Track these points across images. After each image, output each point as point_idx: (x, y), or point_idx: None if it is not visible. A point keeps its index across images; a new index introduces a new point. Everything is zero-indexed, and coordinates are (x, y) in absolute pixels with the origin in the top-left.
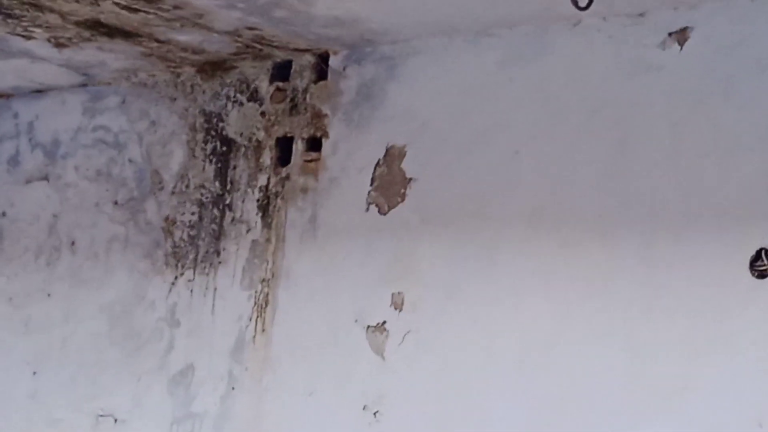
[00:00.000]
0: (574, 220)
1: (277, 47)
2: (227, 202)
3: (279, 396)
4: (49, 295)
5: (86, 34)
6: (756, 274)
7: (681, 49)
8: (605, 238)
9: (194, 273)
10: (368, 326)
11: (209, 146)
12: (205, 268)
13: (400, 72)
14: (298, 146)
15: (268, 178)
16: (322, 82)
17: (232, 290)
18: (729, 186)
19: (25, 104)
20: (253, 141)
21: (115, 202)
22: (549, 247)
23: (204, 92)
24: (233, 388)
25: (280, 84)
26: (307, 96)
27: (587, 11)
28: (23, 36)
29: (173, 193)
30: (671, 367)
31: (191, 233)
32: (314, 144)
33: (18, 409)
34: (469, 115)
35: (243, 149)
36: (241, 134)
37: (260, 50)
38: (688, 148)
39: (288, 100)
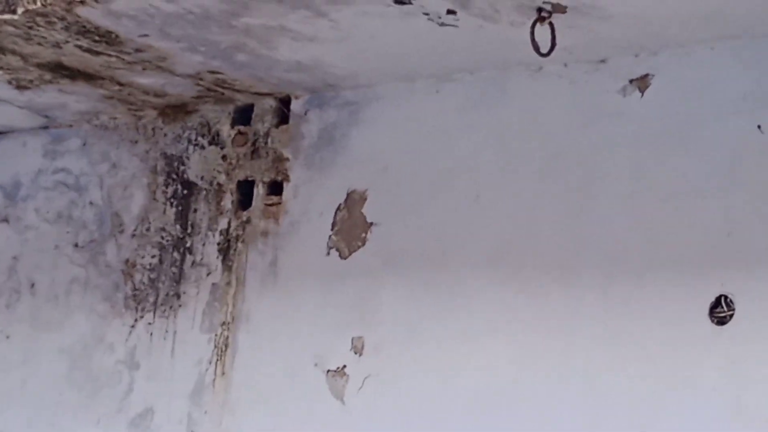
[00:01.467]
0: (535, 263)
1: (238, 91)
2: (188, 245)
3: None
4: (8, 336)
5: (48, 76)
6: (715, 320)
7: (642, 95)
8: (565, 282)
9: (154, 316)
10: (328, 370)
11: (170, 189)
12: (165, 311)
13: (362, 117)
14: (259, 190)
15: (229, 222)
16: (283, 126)
17: (192, 333)
18: (689, 231)
19: None
20: (214, 184)
21: (76, 245)
22: (509, 291)
23: (165, 135)
24: None
25: (242, 128)
26: (269, 140)
27: (549, 58)
28: None
29: (134, 235)
30: (631, 410)
31: (151, 276)
32: (275, 188)
33: None
34: (431, 159)
35: (204, 192)
36: (202, 177)
37: (222, 94)
38: (649, 193)
39: (249, 143)
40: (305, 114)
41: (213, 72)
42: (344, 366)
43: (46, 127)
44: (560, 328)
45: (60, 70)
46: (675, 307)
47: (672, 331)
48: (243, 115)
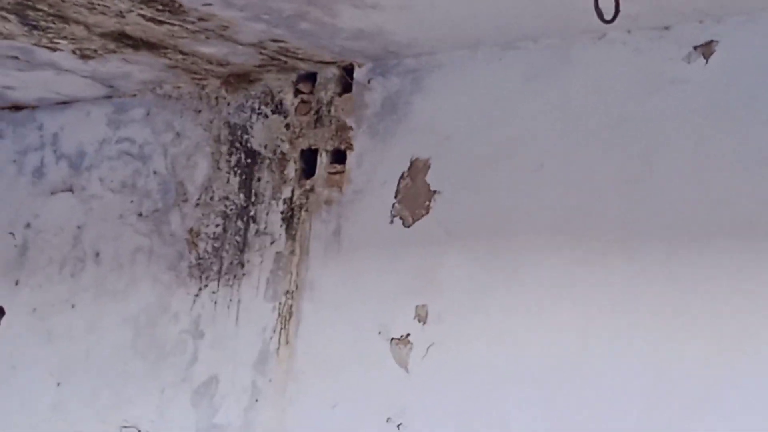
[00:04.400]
0: (598, 232)
1: (301, 59)
2: (251, 214)
3: (302, 408)
4: (73, 306)
5: (111, 45)
6: None
7: (706, 62)
8: (629, 252)
9: (218, 285)
10: (392, 338)
11: (234, 158)
12: (228, 279)
13: (424, 85)
14: (323, 158)
15: (293, 191)
16: (346, 95)
17: (255, 302)
18: (754, 200)
19: (50, 116)
20: (278, 153)
21: (140, 214)
22: (572, 260)
23: (229, 104)
24: (257, 400)
25: (305, 96)
26: (332, 108)
27: (612, 24)
28: (48, 48)
29: (197, 204)
30: (694, 383)
31: (215, 245)
32: (339, 156)
33: (42, 420)
34: (493, 127)
35: (267, 161)
36: (266, 146)
37: (285, 62)
38: (713, 161)
39: (313, 112)
40: (368, 82)
41: (275, 40)
42: (408, 334)
43: (109, 97)
44: (624, 298)
45: (123, 40)
46: (741, 277)
47: (738, 301)
48: (306, 84)
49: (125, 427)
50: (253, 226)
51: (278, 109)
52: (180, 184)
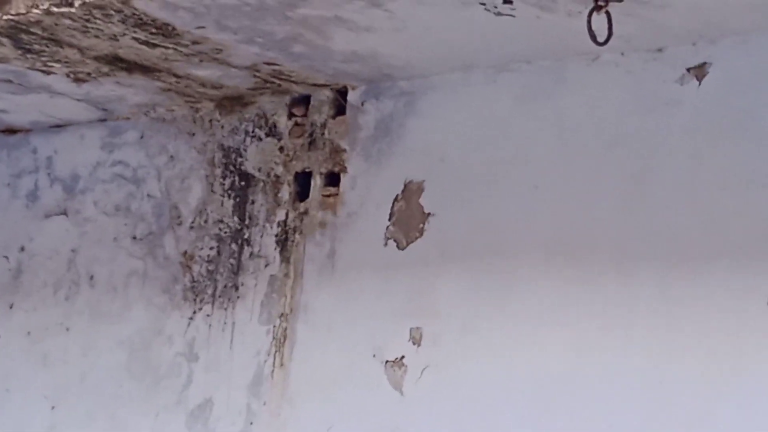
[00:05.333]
0: (592, 254)
1: (295, 82)
2: (246, 236)
3: (297, 430)
4: (67, 329)
5: (105, 69)
6: None
7: (699, 84)
8: (623, 273)
9: (212, 308)
10: (386, 361)
11: (228, 181)
12: (223, 302)
13: (418, 107)
14: (317, 181)
15: (287, 213)
16: (340, 117)
17: (250, 325)
18: (748, 221)
19: (44, 139)
20: (272, 176)
21: (134, 237)
22: (567, 281)
23: (222, 127)
24: (251, 423)
25: (299, 119)
26: (326, 131)
27: (605, 47)
28: (42, 71)
29: (192, 227)
30: (689, 403)
31: (209, 268)
32: (333, 179)
33: None
34: (488, 149)
35: (261, 184)
36: (260, 169)
37: (278, 85)
38: (707, 182)
39: (306, 135)
40: (362, 105)
41: (269, 63)
42: (402, 357)
43: (103, 120)
44: (618, 319)
45: (117, 63)
46: (735, 297)
47: (732, 322)
48: (300, 107)
49: None
50: (247, 249)
51: (272, 131)
52: (174, 207)
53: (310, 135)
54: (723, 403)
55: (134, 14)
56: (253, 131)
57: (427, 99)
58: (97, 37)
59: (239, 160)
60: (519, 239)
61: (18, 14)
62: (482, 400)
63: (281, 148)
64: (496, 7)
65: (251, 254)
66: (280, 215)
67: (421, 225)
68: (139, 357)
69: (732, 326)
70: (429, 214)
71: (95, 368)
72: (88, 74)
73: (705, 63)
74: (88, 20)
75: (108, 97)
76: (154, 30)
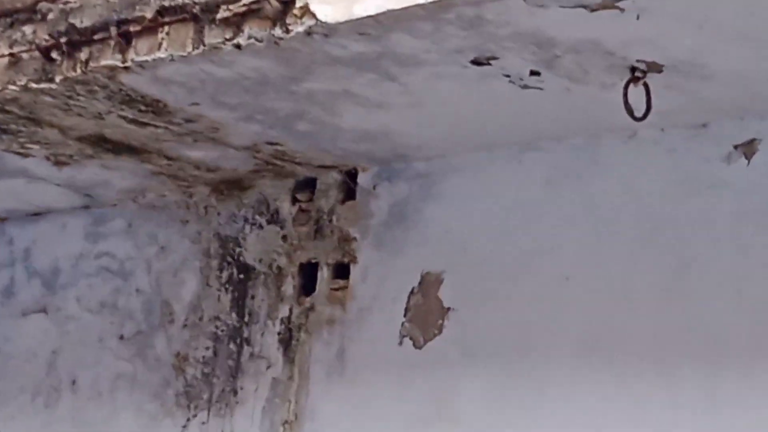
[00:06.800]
0: (630, 352)
1: (300, 164)
2: (245, 335)
3: None
4: None
5: (89, 150)
6: None
7: (748, 163)
8: (664, 374)
9: (208, 415)
10: None
11: (225, 274)
12: (220, 409)
13: (436, 191)
14: (324, 273)
15: (291, 309)
16: (350, 202)
17: None
18: None
19: (21, 228)
20: (274, 268)
21: (121, 337)
22: (602, 384)
23: (219, 214)
24: None
25: (304, 204)
26: (334, 217)
27: (643, 122)
28: (19, 153)
29: (185, 326)
30: None
31: (205, 370)
32: (342, 270)
33: None
34: (514, 237)
35: (262, 277)
36: (261, 260)
37: (281, 167)
38: (757, 272)
39: (312, 222)
40: (374, 188)
41: (271, 143)
42: None
43: (87, 207)
44: (661, 425)
45: (102, 144)
46: None
47: None
48: (305, 191)
49: None
50: (246, 349)
51: (274, 218)
52: (165, 303)
53: (317, 222)
54: None
55: (121, 90)
56: (252, 218)
57: (445, 182)
58: (80, 115)
59: (238, 250)
60: (549, 337)
61: None
62: None
63: (284, 237)
64: (522, 80)
65: (251, 355)
66: (284, 311)
67: (440, 321)
68: None
69: None
70: (449, 308)
71: None
72: (70, 156)
73: (754, 139)
74: (70, 97)
75: (92, 181)
76: (143, 107)
